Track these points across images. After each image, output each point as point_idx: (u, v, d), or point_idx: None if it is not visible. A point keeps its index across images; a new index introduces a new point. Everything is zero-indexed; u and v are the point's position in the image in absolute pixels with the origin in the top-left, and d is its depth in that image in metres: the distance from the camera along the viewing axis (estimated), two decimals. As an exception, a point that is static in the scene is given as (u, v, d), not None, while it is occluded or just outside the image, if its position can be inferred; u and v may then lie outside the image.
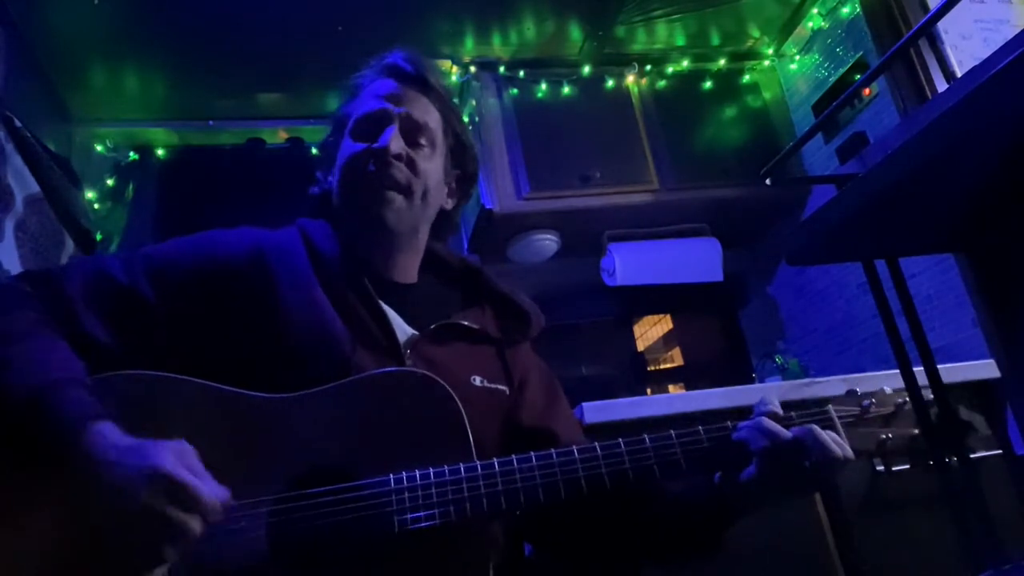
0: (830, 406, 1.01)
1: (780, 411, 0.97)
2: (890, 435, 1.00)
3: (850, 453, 0.93)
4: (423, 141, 1.15)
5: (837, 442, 0.92)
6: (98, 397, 0.86)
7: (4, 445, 0.83)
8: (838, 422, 0.99)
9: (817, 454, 0.91)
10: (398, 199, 1.12)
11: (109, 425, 0.83)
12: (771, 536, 1.45)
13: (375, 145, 1.11)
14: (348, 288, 1.08)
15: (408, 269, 1.19)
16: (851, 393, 1.03)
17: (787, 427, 0.94)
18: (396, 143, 1.11)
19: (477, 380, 1.09)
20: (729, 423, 0.98)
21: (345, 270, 1.10)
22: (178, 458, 0.80)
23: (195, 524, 0.78)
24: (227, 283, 1.03)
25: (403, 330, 1.09)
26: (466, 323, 1.13)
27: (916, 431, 1.01)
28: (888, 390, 1.03)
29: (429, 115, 1.17)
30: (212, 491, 0.80)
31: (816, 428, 0.92)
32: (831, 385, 1.49)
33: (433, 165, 1.17)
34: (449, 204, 1.25)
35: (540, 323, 1.21)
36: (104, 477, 0.79)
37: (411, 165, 1.13)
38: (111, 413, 0.85)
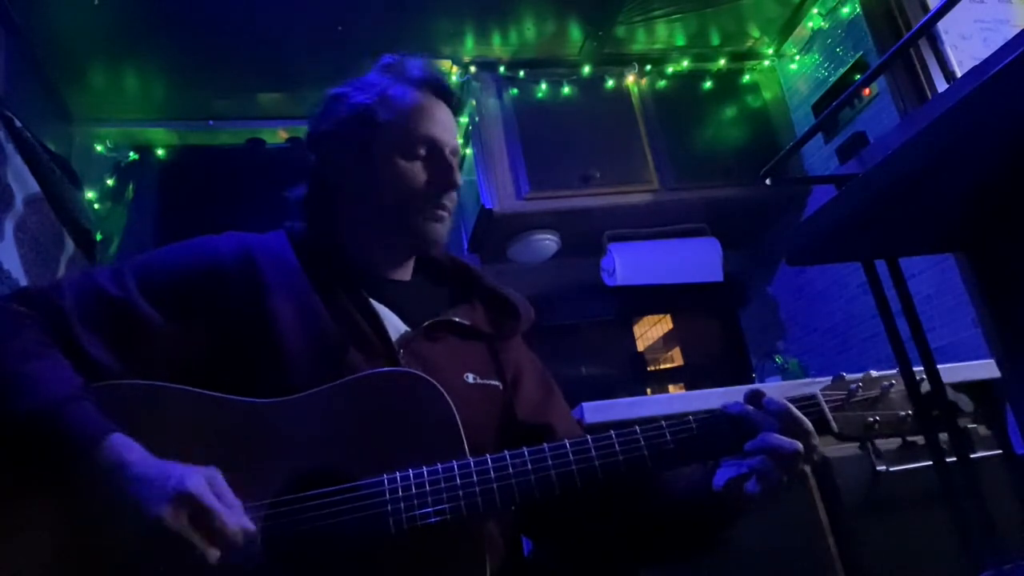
0: (818, 391, 1.01)
1: (765, 393, 0.98)
2: (877, 418, 1.00)
3: (807, 424, 0.93)
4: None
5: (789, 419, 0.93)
6: (100, 409, 0.87)
7: (19, 463, 0.84)
8: (826, 407, 0.99)
9: (790, 426, 0.92)
10: (447, 219, 1.16)
11: (125, 438, 0.84)
12: (771, 536, 1.45)
13: (447, 185, 1.14)
14: (340, 288, 1.08)
15: (407, 269, 1.20)
16: (838, 378, 1.04)
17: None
18: (457, 178, 1.16)
19: (470, 377, 1.09)
20: (720, 408, 0.99)
21: (336, 270, 1.10)
22: (208, 483, 0.81)
23: (214, 552, 0.78)
24: (218, 289, 1.03)
25: (396, 328, 1.09)
26: (458, 320, 1.14)
27: (902, 413, 1.01)
28: (874, 373, 1.04)
29: (458, 138, 1.21)
30: (237, 521, 0.80)
31: (789, 404, 0.94)
32: (829, 385, 1.49)
33: None
34: None
35: (530, 317, 1.22)
36: (128, 490, 0.80)
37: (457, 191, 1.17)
38: (120, 430, 0.85)
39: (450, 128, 1.17)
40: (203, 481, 0.81)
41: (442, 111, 1.17)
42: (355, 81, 1.19)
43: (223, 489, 0.82)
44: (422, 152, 1.13)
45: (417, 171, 1.12)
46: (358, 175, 1.14)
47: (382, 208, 1.13)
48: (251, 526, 0.82)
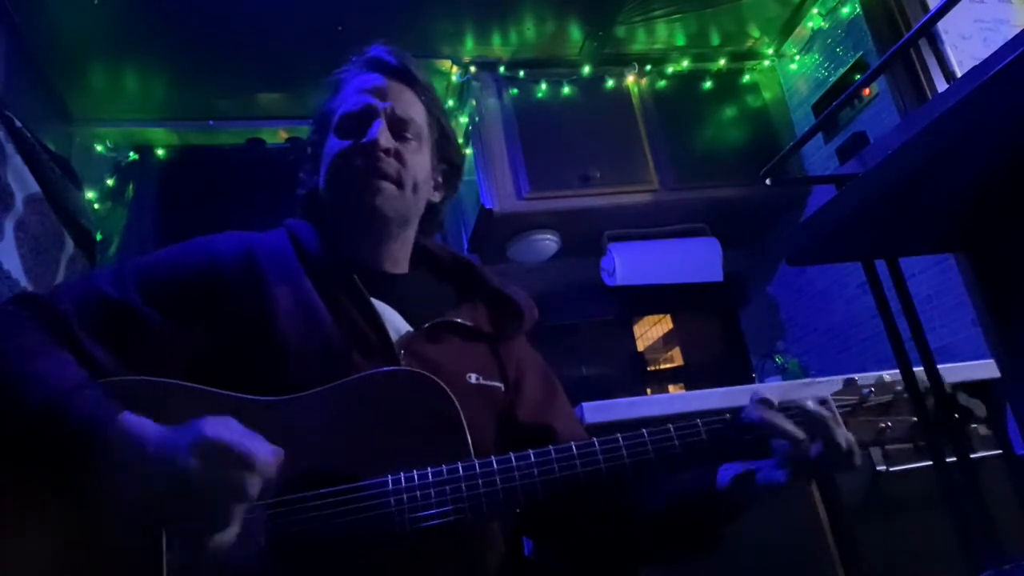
0: (830, 396, 1.00)
1: (773, 399, 0.97)
2: (889, 423, 0.99)
3: (857, 451, 0.92)
4: (409, 135, 1.16)
5: (847, 438, 0.91)
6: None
7: (35, 457, 0.84)
8: (838, 413, 0.98)
9: (821, 434, 0.91)
10: (389, 187, 1.12)
11: (135, 416, 0.85)
12: (771, 536, 1.45)
13: (363, 140, 1.12)
14: (339, 288, 1.08)
15: (399, 260, 1.19)
16: (850, 382, 1.03)
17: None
18: (384, 137, 1.12)
19: (472, 378, 1.09)
20: (728, 415, 0.98)
21: (335, 269, 1.10)
22: (222, 424, 0.81)
23: (254, 481, 0.79)
24: (219, 290, 1.03)
25: (396, 328, 1.09)
26: (460, 320, 1.13)
27: (915, 419, 1.00)
28: (887, 378, 1.03)
29: (414, 108, 1.18)
30: (263, 449, 0.81)
31: (808, 404, 0.92)
32: (831, 385, 1.48)
33: (420, 158, 1.17)
34: (436, 197, 1.25)
35: (533, 316, 1.21)
36: (149, 455, 0.80)
37: (399, 158, 1.13)
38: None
39: (386, 91, 1.16)
40: (219, 424, 0.81)
41: (370, 78, 1.18)
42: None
43: (238, 428, 0.82)
44: (352, 124, 1.14)
45: (346, 143, 1.14)
46: (322, 162, 1.18)
47: (332, 189, 1.16)
48: (277, 449, 0.82)
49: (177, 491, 0.78)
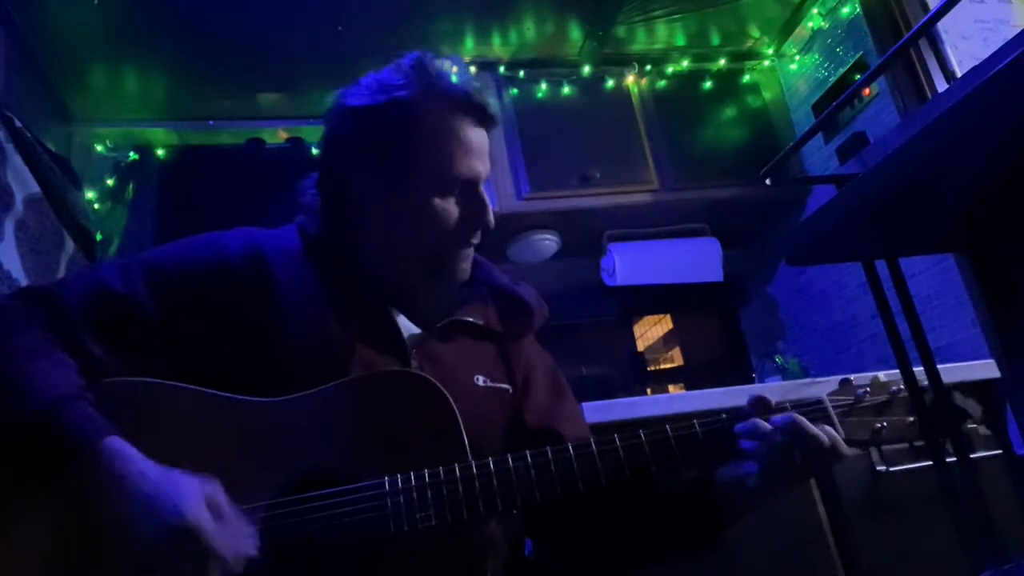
0: (825, 396, 1.01)
1: (770, 399, 0.98)
2: (884, 423, 1.00)
3: (843, 445, 0.93)
4: None
5: (827, 432, 0.93)
6: (100, 408, 0.86)
7: (17, 462, 0.84)
8: (834, 414, 0.99)
9: (803, 444, 0.91)
10: (473, 254, 1.14)
11: (122, 442, 0.84)
12: (771, 536, 1.45)
13: (483, 223, 1.09)
14: (351, 291, 1.07)
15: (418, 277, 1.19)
16: (845, 383, 1.03)
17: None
18: (492, 217, 1.11)
19: (480, 380, 1.09)
20: (724, 415, 0.98)
21: (349, 274, 1.09)
22: (208, 504, 0.80)
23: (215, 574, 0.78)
24: (226, 287, 1.02)
25: (407, 328, 1.08)
26: (471, 319, 1.13)
27: (911, 419, 1.01)
28: (883, 378, 1.03)
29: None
30: (234, 547, 0.80)
31: (798, 416, 0.93)
32: (831, 385, 1.48)
33: None
34: None
35: (544, 315, 1.20)
36: (125, 506, 0.80)
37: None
38: (119, 428, 0.85)
39: (486, 154, 1.10)
40: (202, 506, 0.80)
41: (481, 138, 1.09)
42: (387, 85, 1.06)
43: (222, 508, 0.82)
44: (459, 189, 1.07)
45: (452, 209, 1.07)
46: (387, 200, 1.07)
47: (409, 239, 1.08)
48: (252, 550, 0.82)
49: (136, 550, 0.78)
